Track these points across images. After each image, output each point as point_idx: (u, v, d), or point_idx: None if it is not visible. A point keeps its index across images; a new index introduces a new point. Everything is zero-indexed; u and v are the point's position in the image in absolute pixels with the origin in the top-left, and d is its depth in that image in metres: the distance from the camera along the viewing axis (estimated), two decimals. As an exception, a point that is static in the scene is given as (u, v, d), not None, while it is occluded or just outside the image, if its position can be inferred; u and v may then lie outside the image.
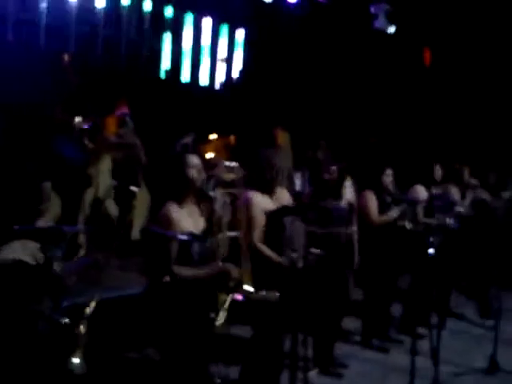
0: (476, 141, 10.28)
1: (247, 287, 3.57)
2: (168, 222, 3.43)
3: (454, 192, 6.53)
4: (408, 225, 5.55)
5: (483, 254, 6.48)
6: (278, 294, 3.82)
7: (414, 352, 3.97)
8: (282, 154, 5.93)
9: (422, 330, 4.82)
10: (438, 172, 6.29)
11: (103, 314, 3.86)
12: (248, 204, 4.06)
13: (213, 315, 3.41)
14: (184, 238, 3.31)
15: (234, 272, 3.49)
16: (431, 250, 4.39)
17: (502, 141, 10.31)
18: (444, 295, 6.37)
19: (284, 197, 4.30)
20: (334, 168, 5.06)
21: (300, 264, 3.94)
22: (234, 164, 3.97)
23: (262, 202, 4.09)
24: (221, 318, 3.42)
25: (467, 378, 4.95)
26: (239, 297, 3.56)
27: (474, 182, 6.74)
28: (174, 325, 3.41)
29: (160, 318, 3.48)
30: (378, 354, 5.40)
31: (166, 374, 3.46)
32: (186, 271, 3.42)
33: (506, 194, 6.94)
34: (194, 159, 3.62)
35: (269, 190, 4.15)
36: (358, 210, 5.28)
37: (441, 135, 10.67)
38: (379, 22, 10.57)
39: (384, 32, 10.72)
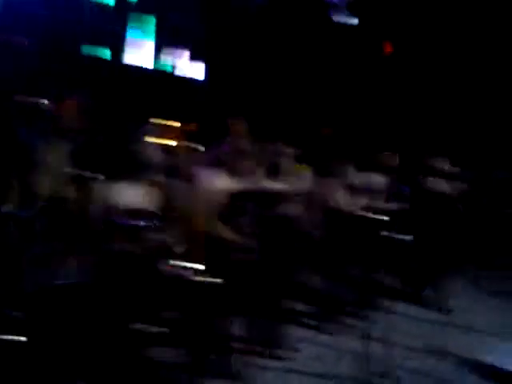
0: (435, 131, 10.42)
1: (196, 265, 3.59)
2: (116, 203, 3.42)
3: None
4: (367, 212, 5.61)
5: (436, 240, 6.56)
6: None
7: (367, 336, 4.03)
8: (241, 142, 5.95)
9: (374, 314, 4.90)
10: (395, 161, 6.36)
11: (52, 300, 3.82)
12: (207, 186, 4.10)
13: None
14: (138, 223, 3.32)
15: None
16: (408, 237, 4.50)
17: (462, 130, 10.47)
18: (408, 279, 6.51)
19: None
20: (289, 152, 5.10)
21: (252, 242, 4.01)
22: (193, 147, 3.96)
23: (222, 186, 4.13)
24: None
25: (419, 362, 5.01)
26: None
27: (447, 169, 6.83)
28: (116, 307, 3.42)
29: (104, 301, 3.48)
30: (331, 338, 5.42)
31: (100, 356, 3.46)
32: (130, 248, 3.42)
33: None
34: (149, 148, 3.60)
35: (230, 175, 4.19)
36: (322, 198, 5.34)
37: (399, 125, 10.80)
38: (340, 14, 10.59)
39: (345, 24, 10.75)
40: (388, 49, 11.72)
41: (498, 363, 4.89)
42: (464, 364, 5.02)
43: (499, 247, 8.24)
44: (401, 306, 6.05)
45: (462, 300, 6.37)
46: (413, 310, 6.34)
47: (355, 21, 10.78)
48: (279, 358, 4.79)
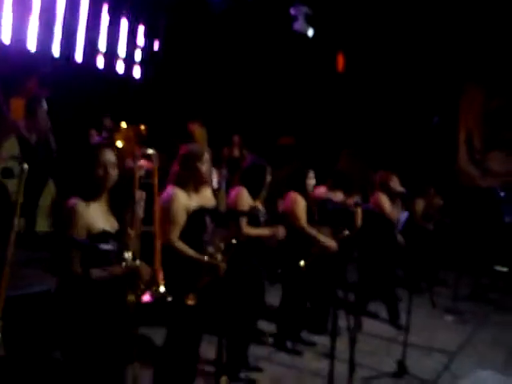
0: (388, 146, 10.51)
1: (161, 288, 3.36)
2: (72, 220, 3.08)
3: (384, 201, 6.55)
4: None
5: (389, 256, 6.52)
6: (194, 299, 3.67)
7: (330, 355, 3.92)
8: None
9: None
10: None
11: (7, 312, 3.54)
12: (170, 200, 3.86)
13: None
14: (105, 247, 3.07)
15: (146, 272, 3.21)
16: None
17: (413, 146, 10.59)
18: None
19: (207, 195, 4.14)
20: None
21: (219, 258, 3.84)
22: (150, 151, 3.66)
23: (183, 199, 3.90)
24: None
25: (377, 382, 4.94)
26: (147, 298, 3.33)
27: (400, 189, 6.67)
28: (83, 326, 3.14)
29: (69, 318, 3.20)
30: (292, 357, 5.31)
31: (73, 377, 3.19)
32: (96, 272, 3.11)
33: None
34: (107, 155, 3.22)
35: (190, 187, 3.96)
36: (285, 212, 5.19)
37: (353, 138, 10.85)
38: (298, 25, 10.55)
39: (303, 34, 10.72)
40: (341, 62, 11.79)
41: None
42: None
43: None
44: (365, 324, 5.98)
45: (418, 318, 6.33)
46: (370, 327, 6.34)
47: (311, 32, 10.76)
48: (241, 379, 4.66)
